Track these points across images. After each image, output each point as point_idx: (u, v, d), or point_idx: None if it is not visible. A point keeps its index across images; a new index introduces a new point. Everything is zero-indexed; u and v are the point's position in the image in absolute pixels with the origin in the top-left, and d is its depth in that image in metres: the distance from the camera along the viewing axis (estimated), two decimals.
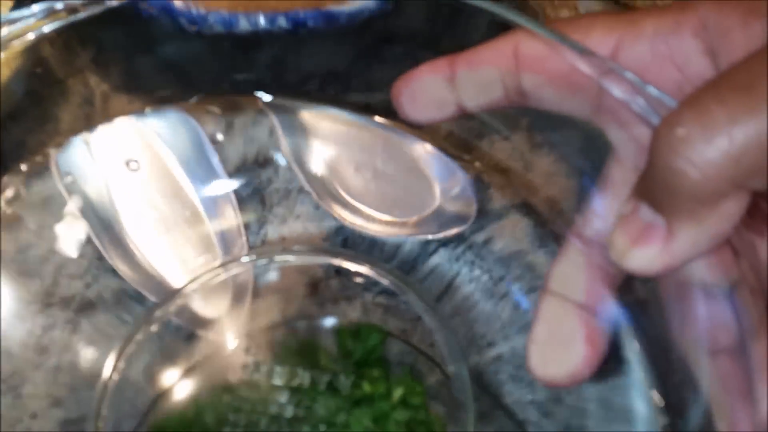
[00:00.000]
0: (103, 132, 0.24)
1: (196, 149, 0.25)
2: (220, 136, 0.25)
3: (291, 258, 0.24)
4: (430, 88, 0.19)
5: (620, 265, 0.16)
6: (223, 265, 0.24)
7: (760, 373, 0.16)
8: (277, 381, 0.22)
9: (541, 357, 0.20)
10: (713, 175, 0.14)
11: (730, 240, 0.16)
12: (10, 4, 0.25)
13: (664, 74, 0.18)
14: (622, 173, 0.19)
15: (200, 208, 0.24)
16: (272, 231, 0.25)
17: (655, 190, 0.16)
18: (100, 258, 0.23)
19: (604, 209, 0.19)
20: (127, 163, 0.24)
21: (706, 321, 0.18)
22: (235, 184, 0.25)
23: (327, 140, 0.26)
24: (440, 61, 0.19)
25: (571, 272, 0.20)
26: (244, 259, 0.24)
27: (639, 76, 0.18)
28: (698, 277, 0.17)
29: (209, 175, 0.25)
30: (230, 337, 0.24)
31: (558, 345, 0.19)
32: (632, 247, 0.16)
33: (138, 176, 0.24)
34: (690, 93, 0.15)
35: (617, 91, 0.18)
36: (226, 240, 0.25)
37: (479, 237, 0.25)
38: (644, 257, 0.16)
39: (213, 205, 0.25)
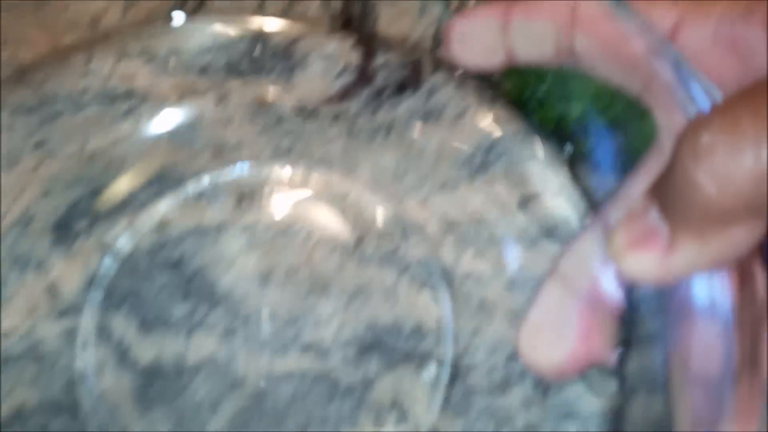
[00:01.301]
0: None
1: None
2: None
3: None
4: (482, 32, 0.19)
5: (614, 264, 0.16)
6: None
7: (733, 411, 0.16)
8: None
9: (530, 340, 0.20)
10: (730, 194, 0.13)
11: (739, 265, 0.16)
12: None
13: (723, 63, 0.17)
14: (657, 162, 0.18)
15: None
16: None
17: (667, 195, 0.15)
18: None
19: (631, 197, 0.19)
20: None
21: (701, 343, 0.18)
22: None
23: None
24: (497, 6, 0.19)
25: (584, 259, 0.20)
26: None
27: (695, 61, 0.17)
28: (704, 294, 0.17)
29: None
30: None
31: (550, 332, 0.20)
32: (629, 250, 0.16)
33: None
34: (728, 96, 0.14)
35: (665, 73, 0.17)
36: None
37: None
38: (638, 263, 0.16)
39: None
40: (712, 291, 0.17)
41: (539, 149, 0.28)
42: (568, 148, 0.28)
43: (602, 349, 0.20)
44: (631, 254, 0.16)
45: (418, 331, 0.25)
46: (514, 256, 0.27)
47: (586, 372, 0.22)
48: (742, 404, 0.16)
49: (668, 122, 0.18)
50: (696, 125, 0.14)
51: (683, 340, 0.18)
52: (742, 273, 0.17)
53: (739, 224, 0.14)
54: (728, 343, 0.16)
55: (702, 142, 0.13)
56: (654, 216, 0.16)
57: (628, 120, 0.26)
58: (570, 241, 0.21)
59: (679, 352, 0.19)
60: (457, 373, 0.25)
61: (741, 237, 0.14)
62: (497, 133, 0.28)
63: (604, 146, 0.27)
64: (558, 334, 0.20)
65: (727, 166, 0.13)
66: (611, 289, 0.20)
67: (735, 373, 0.16)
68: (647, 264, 0.15)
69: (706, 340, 0.17)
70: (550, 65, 0.20)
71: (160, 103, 0.29)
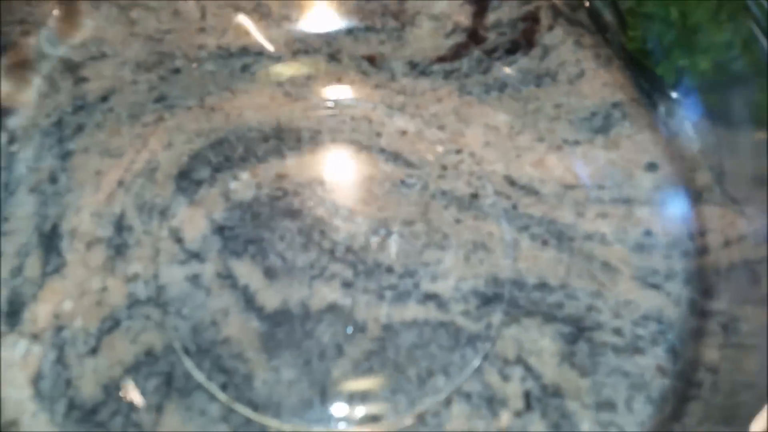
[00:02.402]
0: None
1: None
2: None
3: None
4: None
5: None
6: None
7: None
8: None
9: None
10: None
11: None
12: None
13: None
14: None
15: None
16: None
17: None
18: None
19: None
20: None
21: None
22: None
23: None
24: None
25: None
26: None
27: None
28: None
29: None
30: None
31: None
32: None
33: None
34: None
35: None
36: None
37: None
38: None
39: None
40: None
41: (661, 113, 0.27)
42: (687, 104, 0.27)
43: None
44: None
45: (542, 287, 0.25)
46: (640, 219, 0.26)
47: None
48: None
49: None
50: None
51: None
52: None
53: None
54: None
55: None
56: None
57: (754, 75, 0.25)
58: None
59: None
60: (581, 332, 0.24)
61: None
62: (618, 95, 0.28)
63: (727, 101, 0.26)
64: None
65: None
66: None
67: None
68: None
69: None
70: None
71: (275, 59, 0.29)
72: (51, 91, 0.28)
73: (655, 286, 0.25)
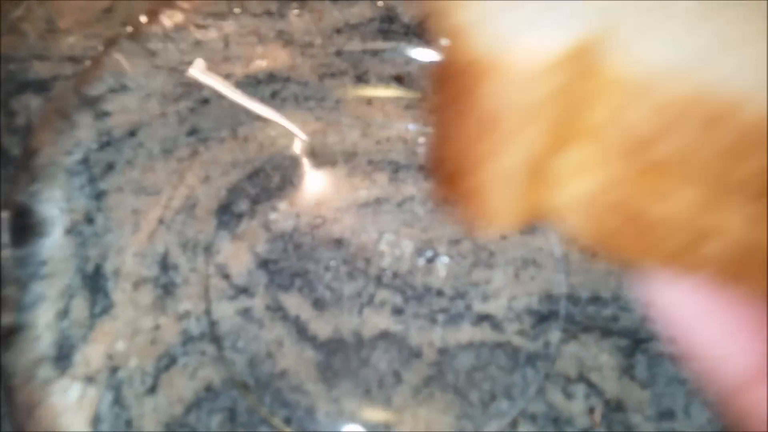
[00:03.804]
0: None
1: None
2: None
3: None
4: None
5: None
6: None
7: None
8: None
9: None
10: None
11: None
12: None
13: None
14: None
15: None
16: None
17: None
18: None
19: None
20: None
21: None
22: None
23: None
24: None
25: None
26: None
27: None
28: None
29: None
30: None
31: None
32: None
33: None
34: None
35: None
36: None
37: None
38: None
39: None
40: None
41: None
42: None
43: None
44: None
45: (596, 301, 0.25)
46: None
47: None
48: None
49: None
50: None
51: None
52: None
53: None
54: None
55: None
56: None
57: None
58: None
59: None
60: (638, 344, 0.25)
61: None
62: None
63: None
64: None
65: None
66: None
67: None
68: None
69: None
70: None
71: (302, 84, 0.29)
72: (66, 126, 0.28)
73: None
